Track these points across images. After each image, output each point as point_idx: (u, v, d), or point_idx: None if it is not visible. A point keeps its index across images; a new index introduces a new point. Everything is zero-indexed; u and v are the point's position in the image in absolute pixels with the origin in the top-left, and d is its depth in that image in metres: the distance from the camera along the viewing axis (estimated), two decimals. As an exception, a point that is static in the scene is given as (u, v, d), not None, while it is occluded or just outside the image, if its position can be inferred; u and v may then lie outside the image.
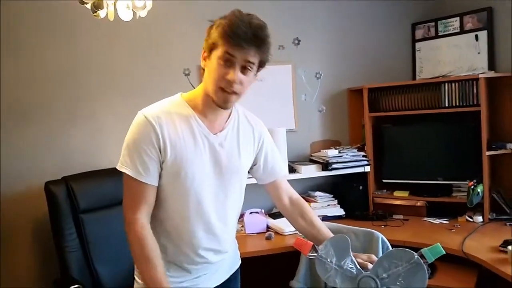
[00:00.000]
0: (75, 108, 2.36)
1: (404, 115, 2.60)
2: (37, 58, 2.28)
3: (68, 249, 1.96)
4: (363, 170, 2.65)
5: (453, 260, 1.98)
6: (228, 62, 1.09)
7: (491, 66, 2.55)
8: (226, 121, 1.25)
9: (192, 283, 1.26)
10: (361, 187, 2.68)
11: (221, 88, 1.12)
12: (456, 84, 2.41)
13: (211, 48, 1.12)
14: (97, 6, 1.66)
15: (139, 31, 2.44)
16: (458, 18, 2.70)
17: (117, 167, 1.19)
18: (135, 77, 2.46)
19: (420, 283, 1.05)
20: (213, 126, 1.21)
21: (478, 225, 2.30)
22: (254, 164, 1.35)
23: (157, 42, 2.50)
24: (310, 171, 2.60)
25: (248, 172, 1.34)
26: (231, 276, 1.37)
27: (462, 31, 2.68)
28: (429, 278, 1.08)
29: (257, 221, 2.46)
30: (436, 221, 2.44)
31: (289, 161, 2.64)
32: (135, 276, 1.27)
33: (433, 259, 1.05)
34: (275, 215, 2.53)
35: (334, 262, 1.10)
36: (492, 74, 2.45)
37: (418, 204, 2.55)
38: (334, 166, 2.58)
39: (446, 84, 2.44)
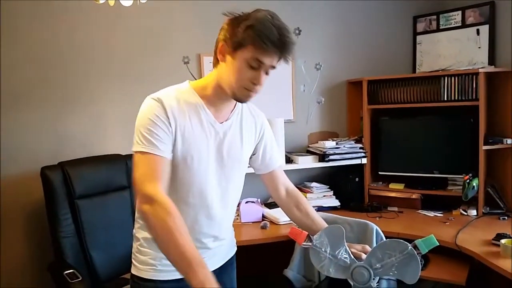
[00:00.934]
0: (73, 93, 2.34)
1: (402, 108, 2.60)
2: (35, 42, 2.25)
3: (63, 234, 1.97)
4: (359, 162, 2.66)
5: (446, 253, 2.00)
6: (255, 65, 1.10)
7: (491, 61, 2.54)
8: (232, 111, 1.27)
9: None
10: (357, 179, 2.69)
11: (244, 88, 1.14)
12: (456, 78, 2.41)
13: (236, 47, 1.10)
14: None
15: (139, 17, 2.41)
16: (460, 12, 2.68)
17: (132, 150, 1.14)
18: (134, 64, 2.44)
19: (413, 273, 1.06)
20: (219, 116, 1.23)
21: (472, 219, 2.32)
22: (253, 154, 1.37)
23: (157, 29, 2.47)
24: (307, 162, 2.61)
25: None
26: (227, 262, 1.38)
27: (464, 25, 2.67)
28: (422, 269, 1.09)
29: (252, 210, 2.47)
30: (431, 213, 2.46)
31: (286, 152, 2.64)
32: (133, 260, 1.28)
33: (427, 250, 1.05)
34: (271, 205, 2.54)
35: (328, 251, 1.11)
36: (492, 69, 2.44)
37: (413, 196, 2.57)
38: (331, 157, 2.58)
39: (446, 78, 2.43)
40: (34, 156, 2.24)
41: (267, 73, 1.15)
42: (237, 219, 2.44)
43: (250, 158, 1.37)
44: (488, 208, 2.38)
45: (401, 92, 2.58)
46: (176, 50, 2.50)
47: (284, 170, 1.45)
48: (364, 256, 1.13)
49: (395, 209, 2.57)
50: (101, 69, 2.39)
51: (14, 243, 2.26)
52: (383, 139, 2.70)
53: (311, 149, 2.74)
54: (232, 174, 1.27)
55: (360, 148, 2.67)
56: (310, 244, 1.13)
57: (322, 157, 2.59)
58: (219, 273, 1.33)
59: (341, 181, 2.69)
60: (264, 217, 2.48)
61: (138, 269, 1.25)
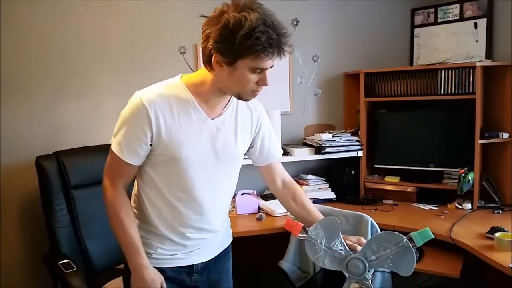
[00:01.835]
0: (69, 83, 2.32)
1: (399, 101, 2.60)
2: (31, 32, 2.22)
3: (58, 224, 1.96)
4: (355, 155, 2.66)
5: (441, 246, 2.01)
6: (258, 70, 1.10)
7: (489, 54, 2.54)
8: (225, 106, 1.24)
9: (185, 255, 1.28)
10: (353, 172, 2.69)
11: (251, 91, 1.14)
12: (453, 71, 2.40)
13: (235, 59, 1.06)
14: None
15: (135, 6, 2.39)
16: (458, 5, 2.67)
17: (110, 140, 1.21)
18: (130, 54, 2.41)
19: (408, 266, 1.06)
20: (211, 111, 1.21)
21: (467, 212, 2.33)
22: (250, 147, 1.36)
23: (153, 19, 2.44)
24: (303, 154, 2.60)
25: (245, 154, 1.35)
26: (222, 252, 1.39)
27: (462, 18, 2.66)
28: (416, 262, 1.09)
29: (248, 202, 2.47)
30: (426, 207, 2.47)
31: (282, 144, 2.63)
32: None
33: (422, 243, 1.06)
34: (267, 197, 2.54)
35: (323, 243, 1.11)
36: (489, 62, 2.44)
37: (409, 189, 2.58)
38: (327, 150, 2.58)
39: (443, 71, 2.43)
40: (29, 146, 2.22)
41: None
42: (233, 210, 2.44)
43: (247, 151, 1.36)
44: (483, 202, 2.39)
45: (398, 85, 2.57)
46: (172, 40, 2.47)
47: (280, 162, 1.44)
48: (359, 248, 1.13)
49: (391, 202, 2.58)
50: (97, 59, 2.36)
51: (9, 233, 2.25)
52: (379, 132, 2.70)
53: (307, 142, 2.74)
54: (224, 171, 1.26)
55: (356, 140, 2.67)
56: (305, 235, 1.13)
57: (318, 149, 2.59)
58: (214, 262, 1.34)
59: (337, 173, 2.70)
60: (260, 209, 2.48)
61: None
